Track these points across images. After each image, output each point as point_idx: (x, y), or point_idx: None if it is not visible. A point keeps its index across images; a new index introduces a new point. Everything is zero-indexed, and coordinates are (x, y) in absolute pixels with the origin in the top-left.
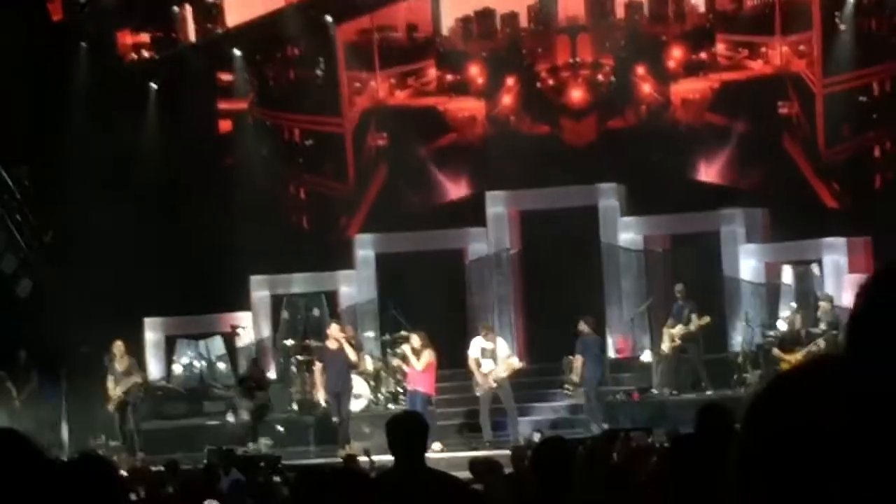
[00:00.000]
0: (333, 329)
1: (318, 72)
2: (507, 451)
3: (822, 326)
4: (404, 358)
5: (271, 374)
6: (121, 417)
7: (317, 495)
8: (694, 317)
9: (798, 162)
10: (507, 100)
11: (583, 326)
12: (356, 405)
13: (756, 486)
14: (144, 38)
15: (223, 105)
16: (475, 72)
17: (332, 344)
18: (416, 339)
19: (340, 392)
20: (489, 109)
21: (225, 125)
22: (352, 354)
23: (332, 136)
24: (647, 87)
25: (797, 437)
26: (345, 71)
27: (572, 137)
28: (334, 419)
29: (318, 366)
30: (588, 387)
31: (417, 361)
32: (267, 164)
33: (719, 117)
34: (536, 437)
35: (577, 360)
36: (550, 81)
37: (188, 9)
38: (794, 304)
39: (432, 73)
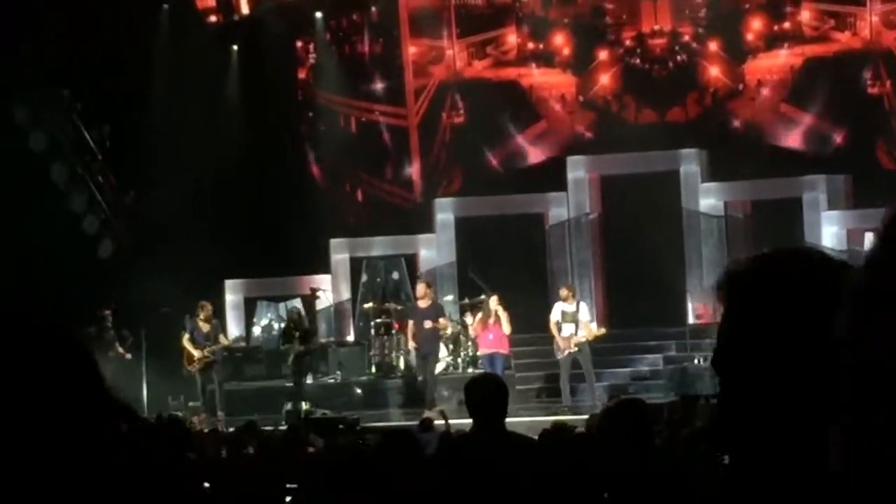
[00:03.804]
0: (421, 288)
1: (385, 49)
2: (585, 416)
3: None
4: (488, 318)
5: (350, 337)
6: (204, 378)
7: (400, 457)
8: None
9: (889, 172)
10: (604, 79)
11: None
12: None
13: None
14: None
15: (300, 72)
16: (560, 41)
17: (423, 303)
18: (495, 301)
19: (429, 353)
20: (581, 88)
21: (305, 87)
22: (443, 320)
23: (397, 130)
24: (715, 70)
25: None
26: (410, 48)
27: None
28: (419, 378)
29: (401, 326)
30: None
31: (506, 323)
32: (322, 152)
33: (793, 109)
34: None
35: None
36: (642, 58)
37: None
38: None
39: (512, 40)
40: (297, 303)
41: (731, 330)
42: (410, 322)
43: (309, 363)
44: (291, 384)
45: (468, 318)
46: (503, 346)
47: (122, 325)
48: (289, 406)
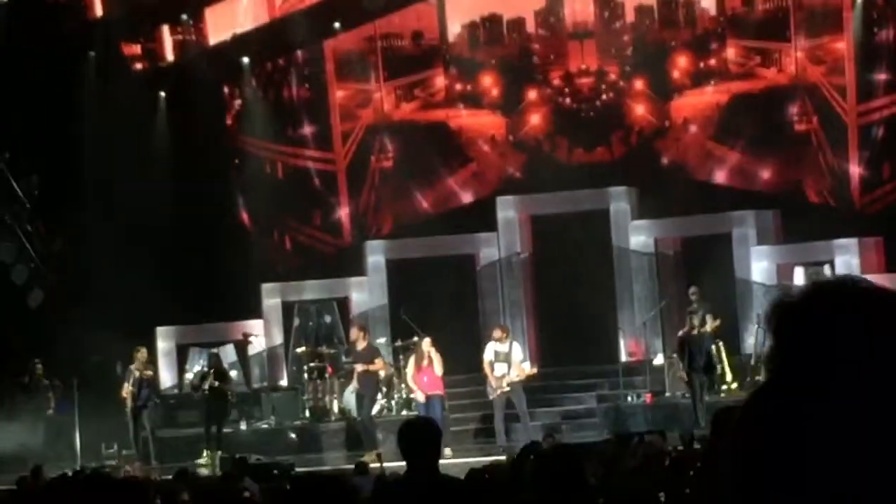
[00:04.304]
0: (354, 332)
1: (311, 93)
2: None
3: None
4: (421, 361)
5: (283, 382)
6: (135, 425)
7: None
8: (709, 318)
9: (817, 206)
10: (534, 119)
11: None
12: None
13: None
14: (143, 48)
15: (228, 118)
16: (488, 82)
17: (358, 346)
18: (428, 343)
19: (365, 395)
20: (511, 128)
21: (233, 133)
22: (379, 362)
23: (325, 174)
24: (641, 109)
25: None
26: (337, 92)
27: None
28: (358, 419)
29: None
30: None
31: (439, 365)
32: (250, 198)
33: (721, 146)
34: (546, 443)
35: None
36: (571, 97)
37: (166, 27)
38: None
39: (440, 82)
40: (230, 348)
41: (783, 362)
42: (356, 365)
43: (223, 409)
44: (206, 430)
45: (401, 361)
46: (438, 388)
47: (52, 375)
48: (206, 454)
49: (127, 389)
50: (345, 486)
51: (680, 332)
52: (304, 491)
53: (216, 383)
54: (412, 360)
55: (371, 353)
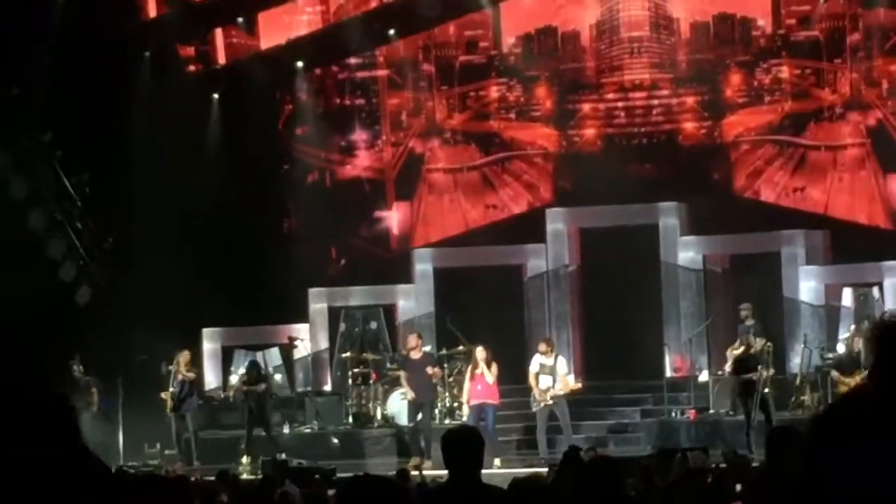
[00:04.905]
0: (413, 339)
1: (363, 100)
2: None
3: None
4: (474, 369)
5: (327, 387)
6: (178, 426)
7: None
8: (758, 339)
9: (866, 228)
10: (586, 132)
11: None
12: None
13: None
14: (196, 49)
15: (280, 122)
16: (541, 94)
17: (415, 354)
18: (481, 352)
19: (426, 402)
20: (563, 140)
21: (284, 137)
22: (437, 368)
23: (375, 181)
24: (693, 125)
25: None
26: (389, 99)
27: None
28: (409, 426)
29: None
30: None
31: (490, 373)
32: (300, 203)
33: (771, 164)
34: (587, 456)
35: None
36: (624, 111)
37: (219, 30)
38: (853, 327)
39: (493, 92)
40: (275, 352)
41: (886, 379)
42: (403, 373)
43: (263, 411)
44: (247, 433)
45: (445, 370)
46: (492, 397)
47: (95, 374)
48: (246, 459)
49: (168, 391)
50: (399, 489)
51: (736, 352)
52: (358, 491)
53: (244, 388)
54: (469, 370)
55: (430, 360)
